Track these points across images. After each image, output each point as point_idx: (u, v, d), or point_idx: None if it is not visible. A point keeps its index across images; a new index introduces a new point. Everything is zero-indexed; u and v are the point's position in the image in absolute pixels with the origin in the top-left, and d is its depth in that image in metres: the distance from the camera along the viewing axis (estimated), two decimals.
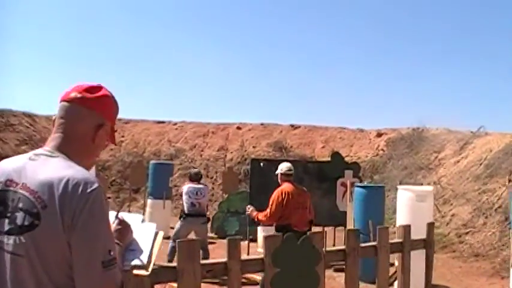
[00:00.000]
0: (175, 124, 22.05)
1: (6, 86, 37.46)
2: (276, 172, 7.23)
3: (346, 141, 21.28)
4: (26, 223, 1.66)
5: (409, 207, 7.87)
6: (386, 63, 46.91)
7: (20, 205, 1.69)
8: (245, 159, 19.57)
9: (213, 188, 18.62)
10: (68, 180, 1.67)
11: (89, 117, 1.88)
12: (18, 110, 18.12)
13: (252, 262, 3.40)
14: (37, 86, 43.69)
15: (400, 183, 15.90)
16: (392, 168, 18.59)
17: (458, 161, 16.40)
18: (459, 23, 45.71)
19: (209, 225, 13.48)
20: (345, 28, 49.85)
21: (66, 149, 1.82)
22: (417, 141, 19.30)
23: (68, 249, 1.65)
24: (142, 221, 2.28)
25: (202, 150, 20.43)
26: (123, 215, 2.15)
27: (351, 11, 49.04)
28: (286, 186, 6.88)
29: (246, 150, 20.32)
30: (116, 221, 2.02)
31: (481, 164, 14.51)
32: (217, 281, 5.39)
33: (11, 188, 1.73)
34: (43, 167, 1.73)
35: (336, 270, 9.00)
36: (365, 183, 11.79)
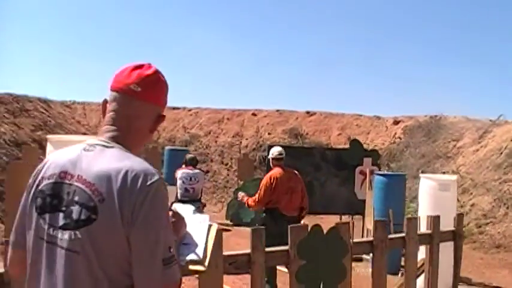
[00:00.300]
0: (190, 110, 21.88)
1: (22, 72, 37.61)
2: (268, 157, 7.33)
3: (362, 129, 21.04)
4: (83, 217, 1.57)
5: (431, 196, 7.62)
6: (404, 49, 46.34)
7: (76, 198, 1.60)
8: (260, 146, 19.42)
9: (228, 175, 18.50)
10: (126, 172, 1.58)
11: (149, 111, 1.79)
12: (34, 95, 18.04)
13: (277, 254, 3.23)
14: (52, 72, 43.71)
15: (418, 172, 15.75)
16: (409, 157, 18.36)
17: (477, 150, 16.14)
18: (478, 9, 45.01)
19: (224, 212, 13.45)
20: (362, 12, 49.33)
21: (122, 139, 1.72)
22: (435, 129, 19.02)
23: (127, 245, 1.57)
24: (194, 212, 2.15)
25: (217, 137, 20.27)
26: (176, 206, 1.99)
27: None
28: (276, 171, 6.86)
29: (261, 137, 20.15)
30: (170, 214, 1.87)
31: (501, 153, 14.23)
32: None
33: (66, 181, 1.64)
34: (99, 158, 1.65)
35: (354, 260, 8.83)
36: (385, 171, 11.57)
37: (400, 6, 48.37)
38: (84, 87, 45.78)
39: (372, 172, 9.88)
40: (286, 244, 3.02)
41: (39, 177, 1.71)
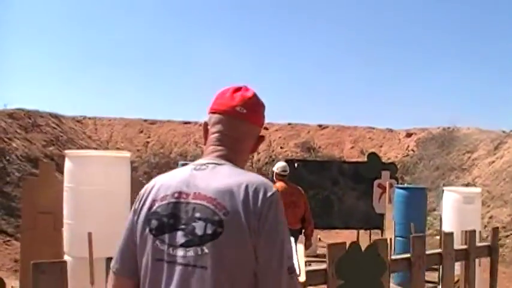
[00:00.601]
0: (201, 125, 21.67)
1: (33, 87, 37.67)
2: (272, 169, 7.73)
3: (375, 142, 20.83)
4: (209, 232, 1.59)
5: (455, 209, 7.42)
6: (414, 61, 46.17)
7: (197, 215, 1.62)
8: (273, 160, 19.19)
9: None
10: (247, 186, 1.62)
11: (253, 132, 1.84)
12: (45, 110, 17.97)
13: (314, 273, 3.06)
14: (62, 87, 43.76)
15: (432, 184, 15.55)
16: (423, 169, 18.15)
17: (493, 162, 15.94)
18: (492, 17, 44.85)
19: None
20: (374, 26, 49.15)
21: (230, 158, 1.76)
22: (448, 141, 18.80)
23: (253, 256, 1.58)
24: None
25: None
26: None
27: (380, 6, 48.37)
28: (279, 185, 7.06)
29: (273, 151, 19.96)
30: None
31: None
32: None
33: (182, 200, 1.66)
34: (215, 175, 1.68)
35: None
36: (405, 185, 11.38)
37: (412, 17, 48.27)
38: (95, 103, 45.77)
39: (391, 185, 9.69)
40: None
41: (150, 200, 1.72)
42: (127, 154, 5.08)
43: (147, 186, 1.77)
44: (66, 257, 4.77)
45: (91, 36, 50.05)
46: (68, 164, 4.77)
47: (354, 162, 14.65)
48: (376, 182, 10.29)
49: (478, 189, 8.30)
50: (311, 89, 44.55)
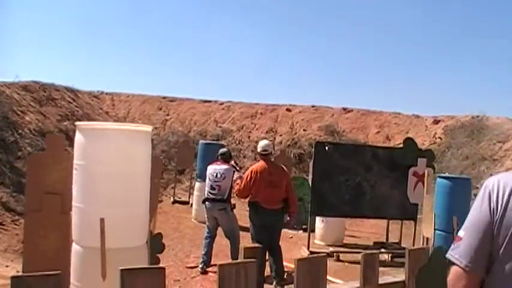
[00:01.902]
0: (221, 104, 21.07)
1: (49, 60, 37.21)
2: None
3: (401, 127, 20.04)
4: None
5: None
6: (442, 48, 45.03)
7: None
8: (295, 143, 18.58)
9: None
10: None
11: None
12: (61, 84, 17.42)
13: (391, 287, 2.35)
14: (80, 61, 43.30)
15: (461, 174, 14.75)
16: (451, 158, 17.38)
17: None
18: None
19: None
20: (403, 10, 47.91)
21: None
22: (478, 129, 18.02)
23: None
24: None
25: (250, 132, 19.39)
26: None
27: None
28: (258, 165, 7.20)
29: (296, 133, 19.24)
30: None
31: None
32: None
33: None
34: None
35: None
36: (447, 174, 10.60)
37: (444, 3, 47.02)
38: (113, 78, 45.30)
39: (429, 174, 8.94)
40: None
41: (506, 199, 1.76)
42: (148, 128, 4.36)
43: (496, 183, 1.82)
44: (74, 246, 4.12)
45: (111, 11, 49.52)
46: (78, 138, 4.07)
47: (389, 148, 13.87)
48: (411, 170, 9.55)
49: None
50: (335, 71, 43.72)
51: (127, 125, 7.53)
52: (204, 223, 8.26)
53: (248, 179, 7.03)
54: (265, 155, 7.24)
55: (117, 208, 3.96)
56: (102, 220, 3.82)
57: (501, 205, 1.75)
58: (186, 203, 13.93)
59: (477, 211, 1.83)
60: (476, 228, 1.81)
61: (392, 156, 9.77)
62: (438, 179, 8.31)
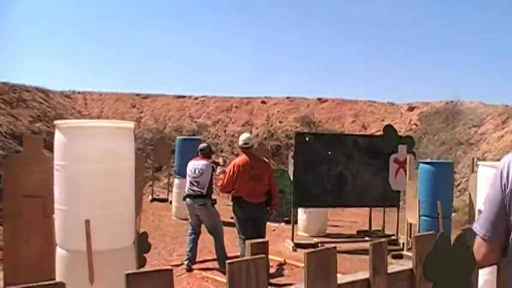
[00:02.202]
0: (196, 99, 20.85)
1: (18, 61, 36.47)
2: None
3: (376, 115, 20.14)
4: None
5: None
6: (414, 34, 45.34)
7: None
8: (272, 135, 18.52)
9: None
10: None
11: None
12: (31, 84, 17.06)
13: (399, 276, 2.27)
14: (49, 61, 42.59)
15: (439, 159, 14.86)
16: (428, 144, 17.58)
17: (502, 136, 15.48)
18: None
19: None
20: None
21: None
22: (453, 115, 18.24)
23: None
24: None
25: (226, 126, 19.25)
26: None
27: None
28: (240, 159, 7.20)
29: (272, 126, 19.17)
30: None
31: None
32: None
33: None
34: None
35: (394, 257, 8.04)
36: (429, 160, 10.64)
37: None
38: (84, 77, 44.65)
39: (411, 160, 8.95)
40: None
41: None
42: (131, 125, 4.22)
43: (507, 162, 2.03)
44: (58, 250, 3.96)
45: (80, 9, 48.77)
46: (58, 137, 3.91)
47: (369, 136, 13.93)
48: (392, 157, 9.56)
49: None
50: (309, 62, 43.75)
51: (109, 121, 7.38)
52: (185, 220, 8.17)
53: (231, 173, 7.01)
54: (246, 148, 7.23)
55: (103, 209, 3.83)
56: (87, 222, 3.68)
57: (510, 181, 1.97)
58: (165, 200, 13.79)
59: (492, 188, 2.09)
60: (491, 204, 2.08)
61: (372, 144, 9.78)
62: (421, 165, 8.30)
